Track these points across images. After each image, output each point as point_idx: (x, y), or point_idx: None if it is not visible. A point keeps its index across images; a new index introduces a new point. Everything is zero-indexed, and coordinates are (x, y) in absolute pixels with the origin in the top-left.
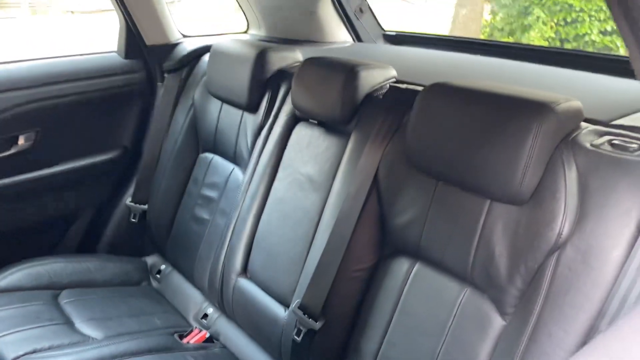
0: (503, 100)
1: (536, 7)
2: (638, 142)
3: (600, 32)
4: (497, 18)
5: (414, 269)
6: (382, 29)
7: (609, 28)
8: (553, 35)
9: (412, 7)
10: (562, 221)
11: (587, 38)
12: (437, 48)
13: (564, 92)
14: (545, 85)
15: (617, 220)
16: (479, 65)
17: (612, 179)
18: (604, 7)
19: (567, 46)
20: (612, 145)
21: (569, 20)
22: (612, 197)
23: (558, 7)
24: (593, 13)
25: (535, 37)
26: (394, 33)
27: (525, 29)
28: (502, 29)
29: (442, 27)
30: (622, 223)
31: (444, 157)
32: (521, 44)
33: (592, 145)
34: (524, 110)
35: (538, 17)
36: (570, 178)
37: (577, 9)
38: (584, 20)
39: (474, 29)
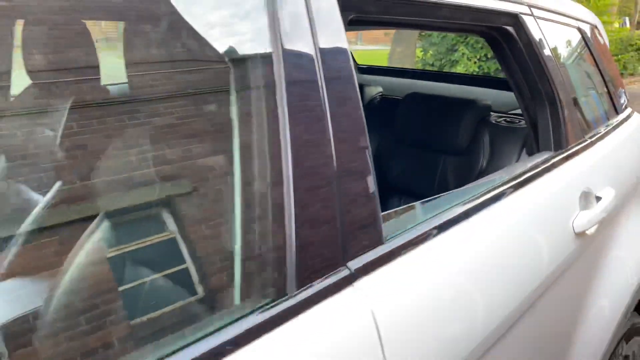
0: (450, 100)
1: (461, 45)
2: (520, 119)
3: None
4: (429, 54)
5: (402, 199)
6: (357, 63)
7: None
8: (477, 69)
9: (351, 47)
10: (481, 161)
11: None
12: (396, 76)
13: (481, 97)
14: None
15: (507, 156)
16: (425, 85)
17: (506, 137)
18: None
19: None
20: (506, 121)
21: (489, 56)
22: (505, 146)
23: (480, 45)
24: None
25: (461, 71)
26: (365, 66)
27: (453, 64)
28: (432, 64)
29: (380, 63)
30: (510, 158)
31: (420, 133)
32: (453, 72)
33: (496, 121)
34: (462, 104)
35: (463, 54)
36: (485, 139)
37: None
38: None
39: (408, 64)
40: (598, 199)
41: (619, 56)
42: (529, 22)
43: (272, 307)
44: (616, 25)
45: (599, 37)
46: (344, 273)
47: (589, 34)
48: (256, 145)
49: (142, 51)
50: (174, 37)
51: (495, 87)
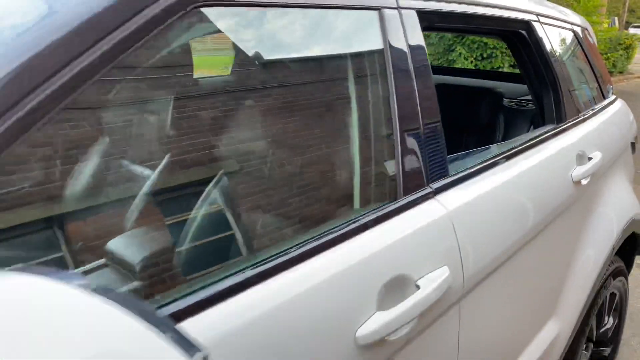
0: (472, 89)
1: (458, 45)
2: (527, 103)
3: (510, 65)
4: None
5: None
6: None
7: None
8: (473, 67)
9: None
10: (498, 136)
11: (500, 70)
12: None
13: (493, 86)
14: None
15: (519, 131)
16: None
17: (517, 117)
18: None
19: None
20: (516, 105)
21: (485, 56)
22: (516, 124)
23: (476, 45)
24: (504, 50)
25: None
26: None
27: (450, 63)
28: (430, 63)
29: None
30: (521, 132)
31: (447, 116)
32: (467, 68)
33: (508, 105)
34: (481, 92)
35: (460, 54)
36: (500, 119)
37: (491, 46)
38: (497, 55)
39: None
40: (589, 158)
41: (608, 55)
42: (537, 27)
43: (387, 206)
44: (605, 25)
45: (589, 38)
46: (428, 190)
47: (581, 35)
48: (379, 104)
49: (313, 53)
50: (328, 43)
51: (504, 79)
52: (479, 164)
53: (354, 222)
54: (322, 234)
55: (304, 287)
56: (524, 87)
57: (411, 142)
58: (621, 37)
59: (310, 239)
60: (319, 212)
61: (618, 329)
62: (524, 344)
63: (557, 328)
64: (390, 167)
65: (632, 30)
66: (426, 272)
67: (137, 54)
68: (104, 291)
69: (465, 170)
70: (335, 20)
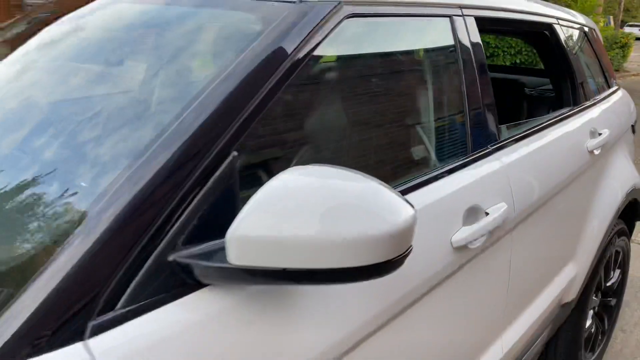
0: (499, 80)
1: None
2: (545, 92)
3: (511, 63)
4: None
5: None
6: None
7: (517, 60)
8: None
9: None
10: (522, 118)
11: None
12: None
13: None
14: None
15: (539, 115)
16: None
17: (537, 103)
18: (514, 44)
19: None
20: (537, 93)
21: (487, 54)
22: (537, 108)
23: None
24: (505, 49)
25: None
26: None
27: None
28: None
29: None
30: (543, 113)
31: None
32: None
33: (529, 93)
34: (507, 83)
35: None
36: (524, 104)
37: (493, 45)
38: (498, 54)
39: None
40: (600, 134)
41: None
42: (557, 28)
43: (464, 159)
44: (601, 24)
45: (596, 36)
46: (488, 149)
47: (589, 34)
48: (454, 87)
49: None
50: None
51: (522, 73)
52: (519, 134)
53: (447, 167)
54: (431, 173)
55: (422, 205)
56: (538, 79)
57: (475, 115)
58: (617, 36)
59: (425, 174)
60: (429, 159)
61: (622, 284)
62: (552, 275)
63: (575, 270)
64: (463, 133)
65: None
66: (491, 205)
67: (313, 56)
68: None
69: (510, 137)
70: (427, 25)
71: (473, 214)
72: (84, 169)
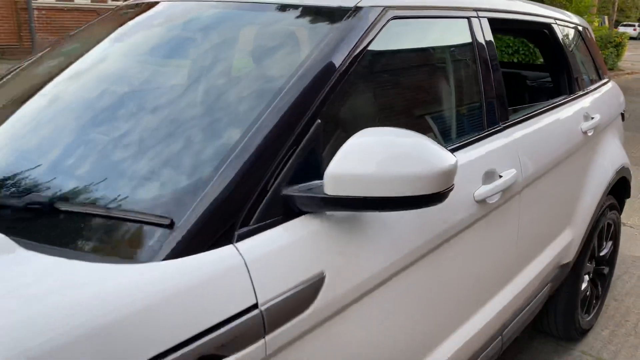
0: (508, 73)
1: None
2: (544, 83)
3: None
4: None
5: None
6: None
7: (515, 59)
8: None
9: None
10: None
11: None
12: None
13: (518, 72)
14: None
15: (539, 100)
16: None
17: (537, 93)
18: (511, 44)
19: None
20: (536, 84)
21: None
22: (537, 97)
23: None
24: (503, 48)
25: None
26: None
27: None
28: None
29: None
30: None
31: None
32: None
33: (530, 84)
34: (514, 75)
35: None
36: (525, 95)
37: None
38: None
39: None
40: (592, 117)
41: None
42: (555, 27)
43: (481, 133)
44: (596, 24)
45: (589, 34)
46: (500, 126)
47: (583, 32)
48: (472, 76)
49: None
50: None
51: (521, 68)
52: (524, 115)
53: (469, 139)
54: (458, 143)
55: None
56: (537, 73)
57: (489, 99)
58: (611, 36)
59: (454, 144)
60: (456, 132)
61: (613, 254)
62: (552, 237)
63: (572, 235)
64: (480, 113)
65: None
66: (504, 170)
67: (368, 49)
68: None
69: (517, 118)
70: (450, 25)
71: (490, 176)
72: (228, 128)
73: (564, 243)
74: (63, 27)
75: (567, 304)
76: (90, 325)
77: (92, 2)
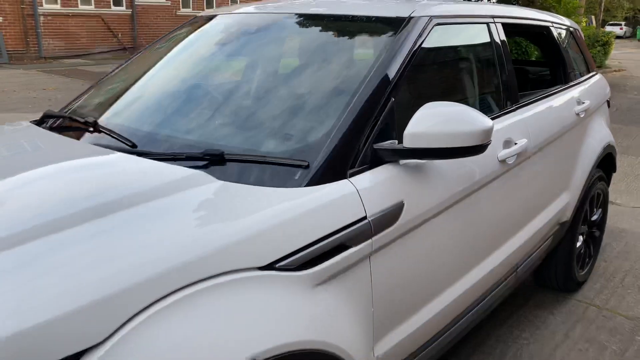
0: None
1: None
2: (542, 74)
3: None
4: None
5: None
6: None
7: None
8: None
9: None
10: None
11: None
12: None
13: (521, 67)
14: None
15: (539, 89)
16: None
17: (537, 83)
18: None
19: None
20: (536, 76)
21: None
22: (537, 86)
23: None
24: None
25: None
26: None
27: None
28: None
29: None
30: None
31: None
32: None
33: (531, 77)
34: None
35: None
36: (529, 84)
37: None
38: None
39: None
40: (583, 102)
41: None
42: (552, 29)
43: (502, 112)
44: (583, 24)
45: (579, 34)
46: (514, 107)
47: (574, 33)
48: (491, 70)
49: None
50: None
51: (523, 64)
52: (530, 99)
53: (493, 115)
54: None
55: None
56: (535, 68)
57: (505, 86)
58: (599, 35)
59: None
60: (484, 110)
61: (603, 220)
62: (554, 197)
63: (568, 197)
64: (499, 96)
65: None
66: (518, 139)
67: (421, 47)
68: None
69: (525, 101)
70: (474, 28)
71: (508, 143)
72: (337, 105)
73: (562, 204)
74: (68, 33)
75: (565, 258)
76: (280, 219)
77: (95, 7)
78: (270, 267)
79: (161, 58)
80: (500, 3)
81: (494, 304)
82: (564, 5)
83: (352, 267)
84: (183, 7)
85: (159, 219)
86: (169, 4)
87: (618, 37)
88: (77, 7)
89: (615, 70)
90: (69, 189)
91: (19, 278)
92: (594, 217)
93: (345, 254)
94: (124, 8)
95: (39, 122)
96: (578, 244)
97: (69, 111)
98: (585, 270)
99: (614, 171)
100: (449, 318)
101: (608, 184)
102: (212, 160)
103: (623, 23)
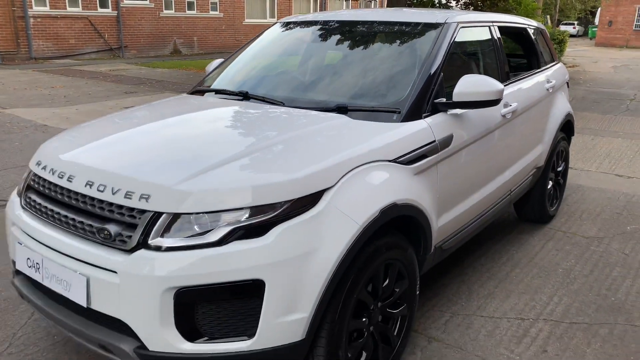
0: None
1: None
2: (523, 64)
3: None
4: None
5: None
6: None
7: None
8: None
9: None
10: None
11: None
12: None
13: None
14: None
15: (520, 72)
16: None
17: (518, 69)
18: None
19: None
20: (516, 64)
21: None
22: (518, 70)
23: None
24: None
25: None
26: None
27: None
28: None
29: None
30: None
31: None
32: None
33: (512, 64)
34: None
35: None
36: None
37: None
38: None
39: None
40: (550, 81)
41: None
42: (528, 29)
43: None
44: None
45: (546, 33)
46: (502, 86)
47: (543, 32)
48: (494, 57)
49: None
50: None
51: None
52: (516, 79)
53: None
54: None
55: None
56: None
57: (502, 68)
58: (554, 34)
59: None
60: None
61: (565, 172)
62: (533, 146)
63: (542, 149)
64: (497, 75)
65: (563, 27)
66: (511, 102)
67: (454, 42)
68: None
69: (513, 80)
70: (482, 29)
71: (506, 105)
72: (412, 76)
73: (538, 152)
74: (57, 34)
75: (540, 197)
76: (393, 138)
77: (82, 9)
78: (394, 161)
79: (276, 48)
80: (466, 6)
81: (499, 212)
82: (524, 7)
83: (429, 169)
84: (166, 9)
85: (335, 132)
86: (153, 6)
87: (572, 35)
88: (66, 9)
89: (569, 66)
90: (270, 124)
91: (289, 155)
92: (560, 168)
93: (425, 160)
94: (110, 10)
95: (198, 93)
96: (549, 186)
97: (215, 86)
98: (554, 207)
99: (573, 135)
100: (474, 213)
101: (569, 144)
102: (340, 110)
103: (576, 22)
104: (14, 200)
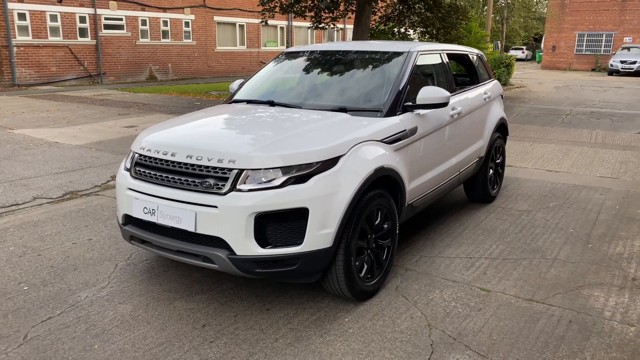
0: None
1: None
2: (466, 82)
3: None
4: None
5: None
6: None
7: None
8: None
9: None
10: (457, 87)
11: None
12: None
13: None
14: None
15: (463, 87)
16: None
17: (462, 85)
18: None
19: None
20: (461, 81)
21: None
22: (462, 85)
23: None
24: None
25: None
26: None
27: None
28: None
29: None
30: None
31: None
32: None
33: (458, 81)
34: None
35: None
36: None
37: None
38: None
39: None
40: (487, 93)
41: (494, 71)
42: (470, 55)
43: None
44: (490, 49)
45: (484, 57)
46: (450, 94)
47: (481, 57)
48: (444, 75)
49: None
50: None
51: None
52: (461, 90)
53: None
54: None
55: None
56: (462, 77)
57: (449, 82)
58: (502, 58)
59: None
60: None
61: (502, 163)
62: (476, 140)
63: (482, 143)
64: (448, 87)
65: (512, 52)
66: (457, 108)
67: (416, 65)
68: None
69: (457, 91)
70: (435, 56)
71: (453, 108)
72: (384, 87)
73: (479, 146)
74: (40, 62)
75: (483, 181)
76: (380, 127)
77: (63, 38)
78: (381, 141)
79: (286, 70)
80: (423, 34)
81: (451, 186)
82: (473, 34)
83: (403, 148)
84: (142, 37)
85: (341, 123)
86: (130, 35)
87: (521, 59)
88: (47, 38)
89: (517, 87)
90: (296, 119)
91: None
92: (498, 160)
93: (400, 142)
94: (89, 39)
95: (233, 103)
96: (490, 173)
97: (244, 97)
98: (495, 190)
99: (507, 134)
100: (434, 184)
101: (505, 141)
102: (342, 110)
103: (524, 47)
104: (124, 173)
